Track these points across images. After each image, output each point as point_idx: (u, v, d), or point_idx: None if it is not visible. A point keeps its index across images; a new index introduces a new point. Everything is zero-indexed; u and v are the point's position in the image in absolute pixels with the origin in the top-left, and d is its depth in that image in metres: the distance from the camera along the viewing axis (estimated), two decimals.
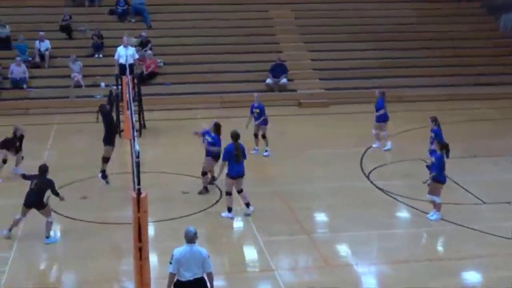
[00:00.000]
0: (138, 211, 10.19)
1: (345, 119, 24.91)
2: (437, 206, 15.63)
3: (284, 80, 27.87)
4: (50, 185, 14.68)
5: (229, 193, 15.77)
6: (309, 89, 27.89)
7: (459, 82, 29.03)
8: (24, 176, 15.15)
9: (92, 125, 20.48)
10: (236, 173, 15.62)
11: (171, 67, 28.52)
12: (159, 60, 28.21)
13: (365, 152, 20.83)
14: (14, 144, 18.87)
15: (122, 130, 22.15)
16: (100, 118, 18.47)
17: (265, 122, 20.65)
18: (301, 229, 15.17)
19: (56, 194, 14.80)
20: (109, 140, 17.98)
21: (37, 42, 27.88)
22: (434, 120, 18.61)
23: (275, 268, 13.37)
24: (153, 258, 12.42)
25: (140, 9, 30.54)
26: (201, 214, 16.07)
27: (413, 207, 16.38)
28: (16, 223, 14.63)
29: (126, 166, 18.78)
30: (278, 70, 27.90)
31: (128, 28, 28.65)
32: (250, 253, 14.31)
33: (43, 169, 14.80)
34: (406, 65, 29.68)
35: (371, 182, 18.22)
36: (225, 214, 15.85)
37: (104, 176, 17.97)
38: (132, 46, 24.70)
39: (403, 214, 16.45)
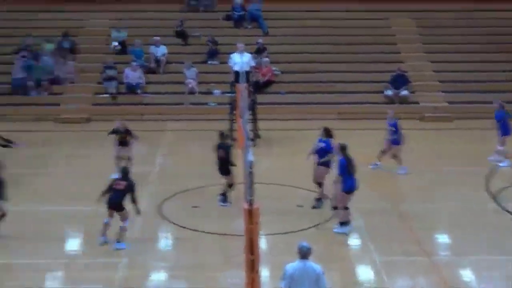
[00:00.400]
0: (250, 223, 10.21)
1: (471, 136, 23.67)
2: None
3: (405, 92, 26.81)
4: (132, 188, 14.42)
5: (345, 208, 15.14)
6: (432, 102, 26.66)
7: None
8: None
9: (205, 133, 20.29)
10: (349, 188, 14.99)
11: (287, 76, 27.93)
12: (275, 68, 27.63)
13: (492, 170, 19.66)
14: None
15: (235, 139, 21.72)
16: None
17: (396, 142, 19.56)
18: (421, 250, 14.52)
19: (135, 201, 14.44)
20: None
21: (153, 47, 27.86)
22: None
23: None
24: (264, 272, 12.33)
25: (256, 15, 30.13)
26: (315, 228, 15.59)
27: None
28: (106, 227, 14.50)
29: (238, 177, 18.23)
30: (399, 81, 26.89)
31: (244, 35, 28.23)
32: (366, 272, 13.78)
33: (126, 171, 14.73)
34: None
35: (499, 203, 17.03)
36: (339, 229, 15.18)
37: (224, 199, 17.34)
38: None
39: None
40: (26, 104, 26.46)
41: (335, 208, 15.62)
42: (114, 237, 14.39)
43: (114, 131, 19.17)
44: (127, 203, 14.40)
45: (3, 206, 14.78)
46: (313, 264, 10.19)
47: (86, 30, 29.98)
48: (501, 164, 20.07)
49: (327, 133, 16.72)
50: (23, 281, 12.96)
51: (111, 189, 14.37)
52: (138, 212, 14.49)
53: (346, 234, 15.13)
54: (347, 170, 14.90)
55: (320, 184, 16.73)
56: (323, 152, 16.56)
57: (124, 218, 14.32)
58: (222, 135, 17.57)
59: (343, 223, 15.22)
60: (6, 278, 13.22)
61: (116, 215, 14.36)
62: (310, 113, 25.77)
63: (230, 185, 17.15)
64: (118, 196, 14.26)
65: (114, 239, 14.38)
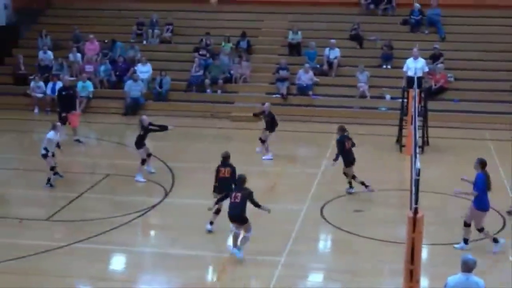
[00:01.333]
0: (413, 232, 10.02)
1: None
2: None
3: None
4: (250, 196, 13.93)
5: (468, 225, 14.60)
6: None
7: None
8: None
9: (374, 137, 20.13)
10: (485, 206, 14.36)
11: (461, 83, 27.09)
12: (449, 75, 26.90)
13: None
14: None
15: (404, 145, 21.43)
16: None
17: None
18: None
19: (257, 205, 13.99)
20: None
21: (327, 49, 27.96)
22: None
23: None
24: (423, 283, 12.02)
25: (435, 20, 29.46)
26: (480, 242, 14.88)
27: None
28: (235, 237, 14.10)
29: (404, 183, 18.02)
30: None
31: (420, 40, 27.69)
32: None
33: (242, 179, 14.15)
34: None
35: None
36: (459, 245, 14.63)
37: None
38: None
39: None
40: (201, 101, 27.41)
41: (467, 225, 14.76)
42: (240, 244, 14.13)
43: (260, 113, 20.63)
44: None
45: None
46: (476, 278, 9.86)
47: (263, 31, 30.59)
48: None
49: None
50: (187, 272, 13.37)
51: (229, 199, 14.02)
52: (267, 210, 14.07)
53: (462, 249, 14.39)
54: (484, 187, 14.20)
55: None
56: None
57: (247, 230, 13.93)
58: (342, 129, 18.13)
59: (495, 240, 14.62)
60: (172, 268, 13.73)
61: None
62: (482, 122, 24.87)
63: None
64: (236, 208, 13.82)
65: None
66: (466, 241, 14.67)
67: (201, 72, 27.87)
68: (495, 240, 14.63)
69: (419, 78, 22.24)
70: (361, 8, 30.91)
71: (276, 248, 14.38)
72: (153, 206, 17.00)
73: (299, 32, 29.05)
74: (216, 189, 15.37)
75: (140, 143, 19.01)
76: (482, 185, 14.26)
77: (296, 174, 19.58)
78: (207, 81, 27.62)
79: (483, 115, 25.35)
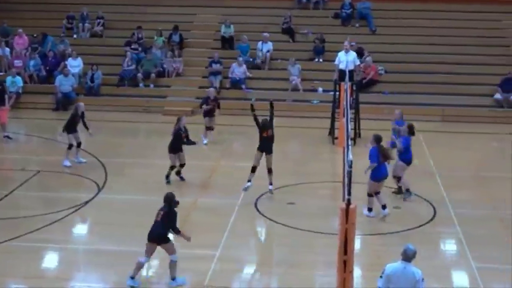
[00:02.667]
0: (346, 223, 10.17)
1: None
2: None
3: None
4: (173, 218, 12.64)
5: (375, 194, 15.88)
6: None
7: None
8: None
9: (306, 130, 20.31)
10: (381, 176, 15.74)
11: (391, 76, 27.53)
12: (380, 68, 27.31)
13: None
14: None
15: (337, 138, 21.68)
16: None
17: None
18: None
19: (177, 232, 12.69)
20: None
21: (260, 43, 28.05)
22: None
23: None
24: (357, 273, 12.14)
25: (365, 13, 29.86)
26: (412, 232, 15.24)
27: None
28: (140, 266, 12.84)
29: (337, 175, 18.24)
30: (509, 84, 26.04)
31: (351, 33, 28.00)
32: (462, 280, 13.44)
33: (170, 198, 12.76)
34: None
35: None
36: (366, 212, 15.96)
37: None
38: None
39: None
40: (134, 95, 27.19)
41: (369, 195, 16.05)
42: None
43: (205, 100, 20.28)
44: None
45: None
46: (414, 268, 9.99)
47: (196, 24, 30.50)
48: None
49: (411, 130, 17.12)
50: (121, 267, 13.22)
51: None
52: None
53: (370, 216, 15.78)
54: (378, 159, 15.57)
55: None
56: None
57: (171, 252, 12.62)
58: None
59: (370, 209, 15.94)
60: (106, 264, 13.61)
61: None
62: (413, 114, 25.21)
63: None
64: (158, 228, 12.56)
65: None
66: (370, 209, 15.94)
67: (133, 66, 27.63)
68: (383, 207, 15.88)
69: (351, 71, 22.51)
70: (293, 2, 31.10)
71: (211, 242, 14.35)
72: (86, 202, 16.78)
73: (232, 26, 29.05)
74: None
75: (70, 127, 18.99)
76: (376, 157, 15.55)
77: (230, 168, 19.61)
78: (140, 75, 27.40)
79: (413, 107, 25.76)
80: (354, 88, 22.53)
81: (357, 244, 13.76)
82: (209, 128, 21.90)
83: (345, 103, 18.70)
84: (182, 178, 18.19)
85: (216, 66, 27.34)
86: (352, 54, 23.82)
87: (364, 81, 26.29)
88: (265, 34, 28.24)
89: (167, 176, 17.94)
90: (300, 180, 18.47)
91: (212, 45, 29.38)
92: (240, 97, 26.80)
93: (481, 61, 27.84)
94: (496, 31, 29.37)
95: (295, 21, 29.72)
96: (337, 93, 22.33)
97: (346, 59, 23.13)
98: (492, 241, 14.74)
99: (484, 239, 14.85)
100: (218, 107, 22.30)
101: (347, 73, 21.58)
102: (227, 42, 28.98)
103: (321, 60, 28.13)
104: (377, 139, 15.92)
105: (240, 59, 27.25)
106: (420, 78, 27.33)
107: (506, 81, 26.14)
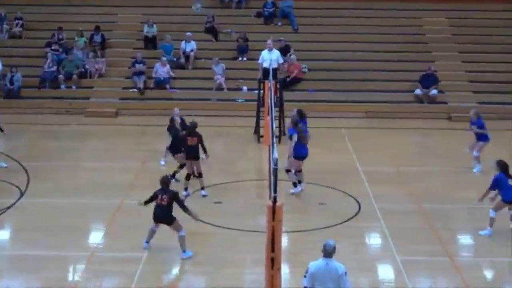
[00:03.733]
0: (273, 220, 10.18)
1: (500, 137, 23.25)
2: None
3: (434, 91, 26.53)
4: (175, 197, 13.86)
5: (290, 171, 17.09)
6: (461, 102, 26.35)
7: None
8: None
9: (231, 129, 20.33)
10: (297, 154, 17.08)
11: (315, 73, 27.81)
12: (303, 66, 27.55)
13: None
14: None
15: (262, 136, 21.77)
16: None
17: (480, 138, 19.34)
18: (443, 250, 14.30)
19: (184, 208, 13.93)
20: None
21: (183, 42, 27.94)
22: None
23: None
24: (285, 270, 12.22)
25: (287, 12, 30.05)
26: (338, 227, 15.46)
27: None
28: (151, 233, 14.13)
29: (263, 173, 18.31)
30: (428, 80, 26.65)
31: (274, 32, 28.15)
32: (387, 272, 13.69)
33: (166, 181, 13.99)
34: None
35: None
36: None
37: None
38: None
39: None
40: (55, 97, 26.68)
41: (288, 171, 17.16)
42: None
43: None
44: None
45: None
46: (336, 263, 10.07)
47: (118, 24, 30.17)
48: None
49: (301, 115, 18.51)
50: (47, 273, 13.03)
51: (155, 204, 13.86)
52: (194, 217, 13.97)
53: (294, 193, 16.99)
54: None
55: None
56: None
57: (178, 229, 13.80)
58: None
59: (295, 184, 17.16)
60: (31, 270, 13.32)
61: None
62: (337, 111, 25.66)
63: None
64: (164, 211, 13.71)
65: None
66: (295, 184, 17.21)
67: (54, 68, 27.11)
68: (295, 185, 17.12)
69: (274, 70, 22.64)
70: (215, 1, 31.08)
71: (138, 244, 14.19)
72: (8, 207, 16.40)
73: (155, 26, 28.84)
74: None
75: None
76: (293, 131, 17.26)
77: (156, 168, 19.45)
78: (61, 77, 26.92)
79: (336, 104, 26.12)
80: (278, 86, 22.66)
81: (285, 241, 13.88)
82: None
83: (269, 101, 18.76)
84: (176, 179, 17.80)
85: (139, 66, 27.10)
86: (276, 53, 23.95)
87: (288, 79, 26.47)
88: (188, 33, 28.14)
89: (174, 175, 17.60)
90: (227, 179, 18.50)
91: (135, 45, 29.11)
92: (165, 97, 26.63)
93: (402, 58, 28.39)
94: (416, 28, 29.97)
95: (218, 20, 29.71)
96: (262, 91, 22.43)
97: (269, 58, 23.25)
98: (415, 234, 15.04)
99: (408, 232, 15.14)
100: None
101: (271, 71, 21.68)
102: (150, 42, 28.75)
103: (244, 59, 28.20)
104: (295, 122, 17.60)
105: (164, 59, 27.08)
106: (343, 76, 27.69)
107: (425, 77, 26.72)
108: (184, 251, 13.81)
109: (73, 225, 15.20)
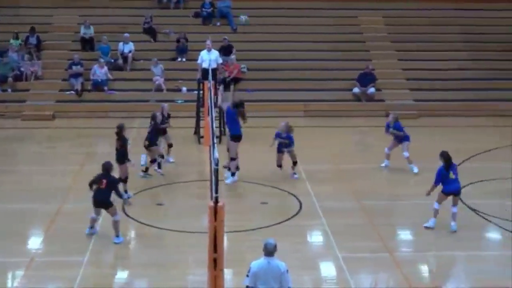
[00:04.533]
0: (215, 220, 10.15)
1: (436, 133, 23.77)
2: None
3: (371, 90, 26.84)
4: (114, 184, 14.58)
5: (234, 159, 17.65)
6: (398, 100, 26.75)
7: None
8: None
9: (171, 130, 20.24)
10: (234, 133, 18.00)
11: (254, 73, 27.87)
12: (243, 66, 27.57)
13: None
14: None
15: (202, 137, 21.70)
16: None
17: (404, 139, 19.46)
18: (384, 246, 14.49)
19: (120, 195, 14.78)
20: None
21: (121, 44, 27.67)
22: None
23: (354, 286, 12.78)
24: (227, 270, 12.10)
25: (225, 12, 30.03)
26: (280, 226, 15.52)
27: (505, 229, 15.31)
28: (93, 221, 14.71)
29: (205, 174, 18.27)
30: (366, 79, 26.96)
31: (212, 32, 28.11)
32: (329, 269, 13.79)
33: (107, 166, 14.62)
34: (504, 76, 28.13)
35: (462, 201, 17.04)
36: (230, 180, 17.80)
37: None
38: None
39: (494, 235, 15.37)
40: None
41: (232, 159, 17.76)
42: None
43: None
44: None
45: None
46: (278, 261, 10.10)
47: (54, 26, 29.71)
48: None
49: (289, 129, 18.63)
50: None
51: (96, 188, 14.48)
52: (128, 204, 15.08)
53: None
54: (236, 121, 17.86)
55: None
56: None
57: (113, 214, 14.34)
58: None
59: (233, 173, 17.68)
60: None
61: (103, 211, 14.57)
62: (277, 110, 25.71)
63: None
64: (103, 195, 14.35)
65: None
66: (233, 174, 17.86)
67: None
68: (233, 174, 17.81)
69: (214, 70, 22.60)
70: (153, 2, 30.88)
71: (79, 247, 14.06)
72: None
73: (92, 27, 28.48)
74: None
75: None
76: (230, 117, 18.11)
77: (95, 171, 19.15)
78: None
79: (276, 103, 26.21)
80: (218, 86, 22.61)
81: (227, 241, 13.84)
82: (170, 145, 20.72)
83: (209, 102, 18.73)
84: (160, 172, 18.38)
85: (76, 68, 26.72)
86: (215, 53, 23.89)
87: (227, 79, 26.45)
88: (126, 34, 27.89)
89: (159, 165, 18.33)
90: (168, 180, 18.39)
91: (71, 47, 28.69)
92: (103, 99, 26.34)
93: (340, 57, 28.66)
94: (353, 27, 30.26)
95: (156, 20, 29.52)
96: (201, 92, 22.36)
97: (209, 58, 23.19)
98: (356, 231, 15.19)
99: (349, 229, 15.28)
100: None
101: (210, 72, 21.63)
102: (87, 43, 28.40)
103: (184, 59, 28.08)
104: (235, 104, 18.31)
105: (102, 60, 26.77)
106: (282, 75, 27.81)
107: (363, 75, 27.02)
108: (117, 236, 14.34)
109: (11, 231, 14.92)
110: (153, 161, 18.38)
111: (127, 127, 23.52)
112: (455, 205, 15.18)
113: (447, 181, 15.10)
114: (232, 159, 18.01)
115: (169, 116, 20.06)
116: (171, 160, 19.82)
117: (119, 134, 17.10)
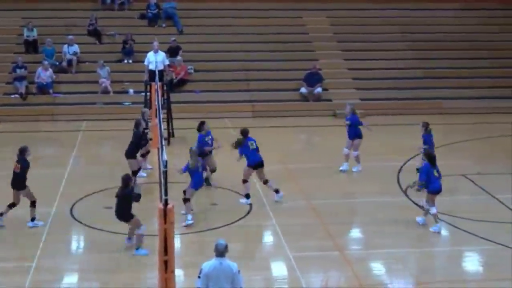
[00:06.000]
0: (165, 223, 10.09)
1: (382, 131, 24.00)
2: (434, 217, 15.30)
3: (318, 89, 27.05)
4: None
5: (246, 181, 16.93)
6: (345, 99, 26.92)
7: (503, 94, 27.91)
8: None
9: (119, 132, 20.07)
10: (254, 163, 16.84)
11: (201, 74, 27.84)
12: (189, 67, 27.50)
13: (402, 166, 19.97)
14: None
15: (151, 139, 21.54)
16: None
17: (355, 136, 19.44)
18: (334, 245, 14.65)
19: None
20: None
21: (65, 46, 27.35)
22: (425, 126, 18.10)
23: (305, 285, 12.88)
24: (179, 272, 12.17)
25: (171, 13, 29.92)
26: (230, 227, 15.58)
27: (453, 226, 15.60)
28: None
29: (154, 176, 18.14)
30: (313, 78, 27.15)
31: (158, 33, 27.97)
32: (280, 269, 13.88)
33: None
34: (447, 75, 28.61)
35: (409, 197, 17.37)
36: (244, 200, 16.82)
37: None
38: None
39: (443, 232, 15.48)
40: None
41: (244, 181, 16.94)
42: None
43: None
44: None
45: None
46: (229, 262, 10.14)
47: None
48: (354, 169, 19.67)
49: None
50: None
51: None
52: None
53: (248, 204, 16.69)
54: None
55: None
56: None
57: (137, 226, 14.07)
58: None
59: (247, 195, 16.86)
60: None
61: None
62: (225, 111, 25.74)
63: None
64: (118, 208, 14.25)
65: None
66: (247, 196, 16.96)
67: None
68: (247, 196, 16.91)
69: (161, 71, 22.50)
70: (97, 3, 30.57)
71: (27, 253, 13.89)
72: None
73: (35, 29, 28.08)
74: None
75: None
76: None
77: (42, 175, 18.95)
78: None
79: (223, 104, 26.22)
80: (165, 88, 22.53)
81: (177, 243, 13.83)
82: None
83: (157, 103, 18.63)
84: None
85: (20, 71, 26.30)
86: (161, 54, 23.82)
87: (174, 80, 26.36)
88: (70, 37, 27.57)
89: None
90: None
91: (15, 50, 28.24)
92: (48, 102, 26.01)
93: (286, 57, 28.76)
94: (298, 27, 30.43)
95: (101, 22, 29.25)
96: (148, 93, 22.24)
97: (155, 59, 23.09)
98: (306, 231, 15.30)
99: (299, 229, 15.39)
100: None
101: (157, 73, 21.54)
102: (31, 46, 27.98)
103: (130, 61, 27.87)
104: (244, 132, 17.29)
105: (46, 62, 26.41)
106: (229, 76, 27.85)
107: (309, 75, 27.20)
108: (138, 249, 14.06)
109: None
110: (134, 173, 17.66)
111: (73, 130, 23.51)
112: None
113: (433, 178, 15.19)
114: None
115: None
116: (149, 167, 19.42)
117: (19, 156, 15.74)
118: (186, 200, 15.54)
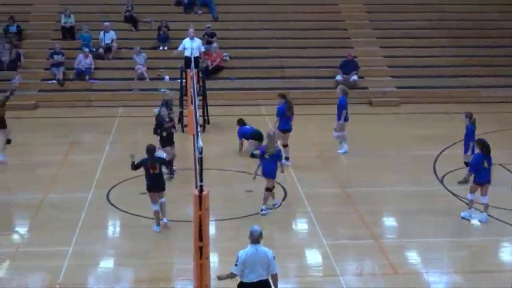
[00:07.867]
0: (200, 209, 10.07)
1: (418, 120, 23.88)
2: (469, 205, 15.21)
3: (354, 77, 26.88)
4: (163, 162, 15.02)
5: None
6: (381, 87, 26.84)
7: None
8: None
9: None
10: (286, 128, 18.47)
11: (237, 61, 27.82)
12: (225, 54, 27.51)
13: (439, 154, 19.79)
14: None
15: (186, 125, 21.67)
16: None
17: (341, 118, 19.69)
18: (369, 234, 14.59)
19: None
20: None
21: (102, 32, 27.50)
22: (469, 116, 17.84)
23: (340, 273, 12.84)
24: (213, 258, 12.20)
25: (207, 0, 29.88)
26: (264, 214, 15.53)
27: (489, 215, 15.35)
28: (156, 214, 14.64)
29: (189, 162, 18.21)
30: (349, 66, 26.97)
31: (194, 20, 28.00)
32: (315, 256, 13.85)
33: (153, 149, 14.82)
34: (484, 63, 28.27)
35: (445, 187, 17.24)
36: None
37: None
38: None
39: (481, 222, 15.27)
40: None
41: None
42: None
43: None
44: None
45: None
46: (265, 248, 10.16)
47: (34, 15, 29.46)
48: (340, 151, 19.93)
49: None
50: None
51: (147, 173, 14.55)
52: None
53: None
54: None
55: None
56: None
57: (162, 196, 14.68)
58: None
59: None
60: None
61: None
62: (260, 98, 25.72)
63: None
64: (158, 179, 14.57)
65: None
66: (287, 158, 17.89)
67: None
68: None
69: (196, 58, 22.53)
70: None
71: (64, 238, 14.01)
72: None
73: (72, 15, 28.27)
74: None
75: None
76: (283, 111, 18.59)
77: (79, 161, 19.17)
78: None
79: (259, 92, 26.20)
80: (201, 75, 22.58)
81: (212, 229, 13.90)
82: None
83: (192, 90, 18.67)
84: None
85: (58, 57, 26.52)
86: (197, 41, 23.86)
87: (210, 67, 26.40)
88: (107, 23, 27.71)
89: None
90: None
91: (52, 36, 28.45)
92: (85, 88, 26.21)
93: (322, 44, 28.61)
94: (334, 14, 30.25)
95: (137, 9, 29.35)
96: (184, 80, 22.32)
97: (191, 46, 23.12)
98: (340, 219, 15.30)
99: (334, 216, 15.40)
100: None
101: (193, 60, 21.58)
102: (68, 32, 28.19)
103: (166, 48, 27.95)
104: (282, 96, 18.92)
105: (86, 49, 26.60)
106: (265, 63, 27.77)
107: (345, 63, 27.03)
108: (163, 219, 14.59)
109: None
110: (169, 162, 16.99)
111: (110, 116, 23.70)
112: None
113: (482, 170, 14.96)
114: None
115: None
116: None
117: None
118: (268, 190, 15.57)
